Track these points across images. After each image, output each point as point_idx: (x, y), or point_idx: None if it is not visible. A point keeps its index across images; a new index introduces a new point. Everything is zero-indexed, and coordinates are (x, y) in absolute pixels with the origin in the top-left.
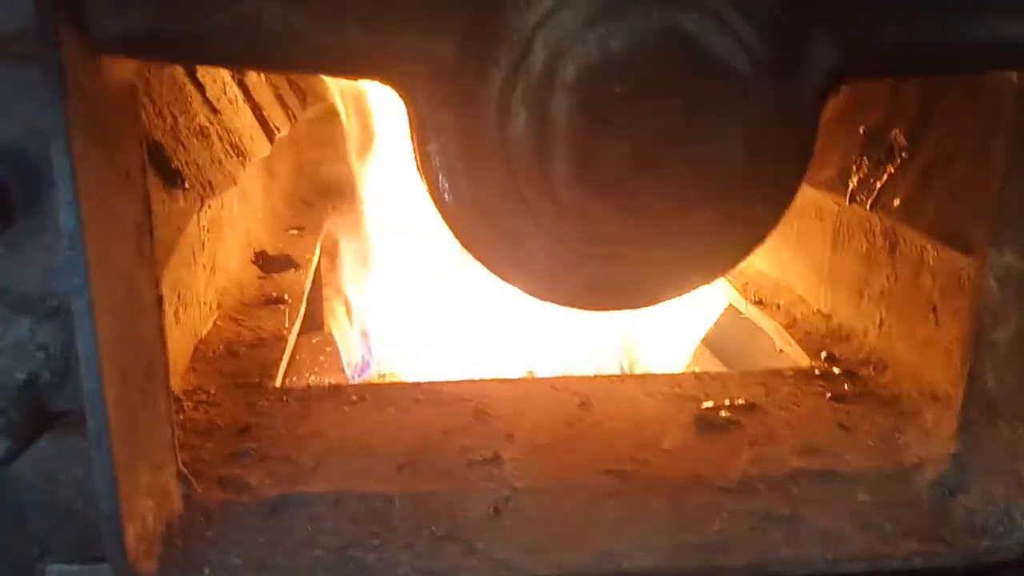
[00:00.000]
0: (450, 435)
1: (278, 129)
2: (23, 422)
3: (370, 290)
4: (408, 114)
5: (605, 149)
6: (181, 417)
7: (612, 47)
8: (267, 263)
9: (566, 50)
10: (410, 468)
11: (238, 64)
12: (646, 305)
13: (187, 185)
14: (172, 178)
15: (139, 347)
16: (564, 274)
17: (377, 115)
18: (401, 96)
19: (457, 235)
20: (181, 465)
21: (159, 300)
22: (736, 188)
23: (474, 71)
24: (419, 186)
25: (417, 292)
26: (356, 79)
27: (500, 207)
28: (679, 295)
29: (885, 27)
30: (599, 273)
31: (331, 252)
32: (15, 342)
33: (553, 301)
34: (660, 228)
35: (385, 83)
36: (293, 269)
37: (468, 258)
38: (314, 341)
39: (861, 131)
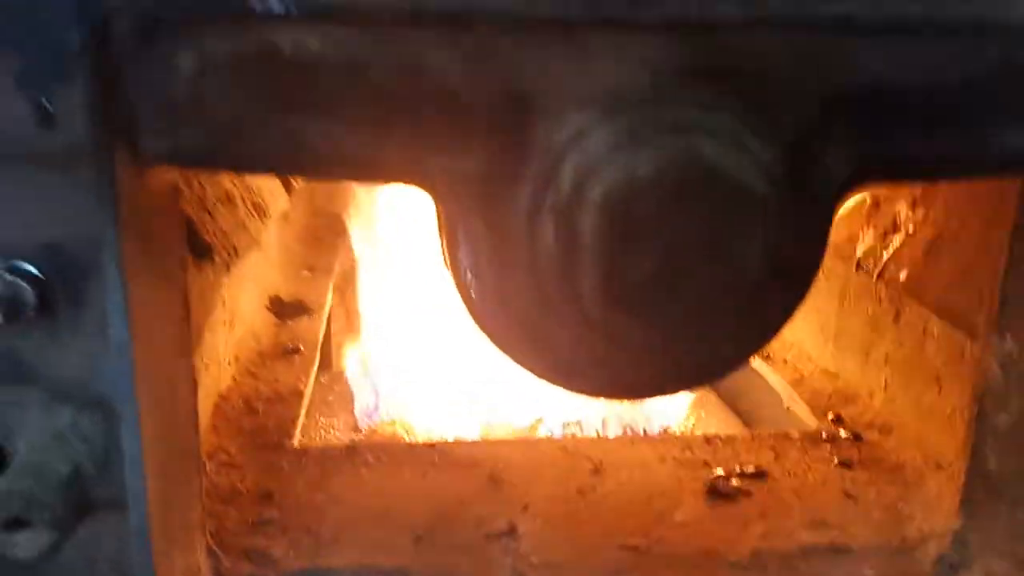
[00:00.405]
0: (466, 504)
1: (296, 181)
2: (67, 513)
3: (383, 334)
4: (438, 214)
5: (630, 265)
6: (205, 482)
7: (637, 171)
8: (281, 310)
9: (593, 172)
10: (427, 540)
11: (279, 173)
12: (663, 395)
13: (216, 257)
14: (202, 252)
15: (176, 436)
16: (586, 371)
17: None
18: (432, 198)
19: (481, 327)
20: (209, 539)
21: (195, 387)
22: (753, 298)
23: (504, 185)
24: (446, 275)
25: (429, 338)
26: (390, 185)
27: (525, 308)
28: (696, 387)
29: (895, 144)
30: (620, 371)
31: (342, 290)
32: (56, 432)
33: (574, 391)
34: (679, 336)
35: (417, 188)
36: (307, 315)
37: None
38: (323, 381)
39: (867, 200)
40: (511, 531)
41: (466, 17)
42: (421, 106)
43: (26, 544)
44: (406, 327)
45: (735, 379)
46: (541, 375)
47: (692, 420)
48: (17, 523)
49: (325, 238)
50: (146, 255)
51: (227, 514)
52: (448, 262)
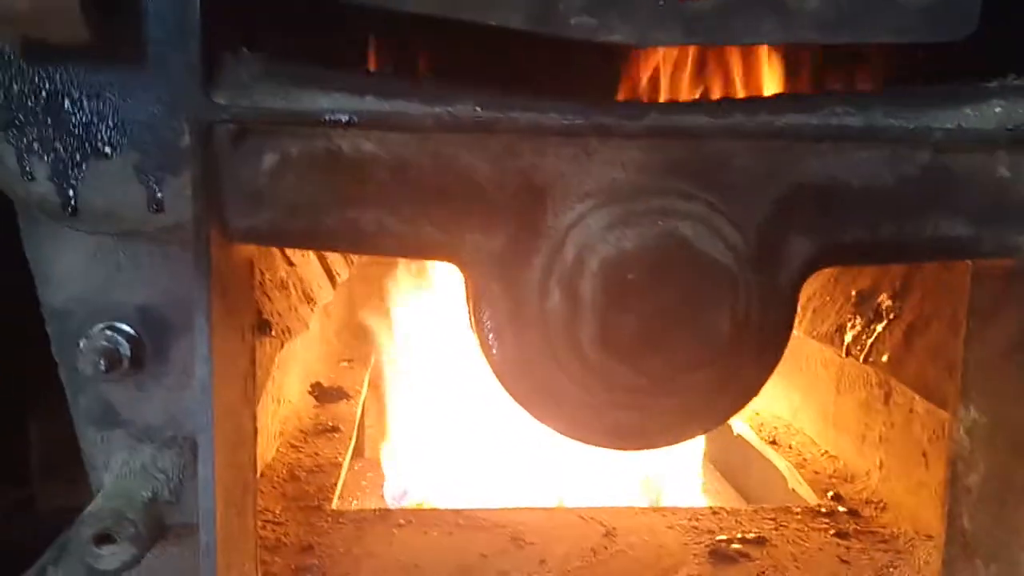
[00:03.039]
0: (488, 559)
1: (339, 275)
2: (146, 535)
3: (412, 423)
4: (466, 285)
5: (621, 322)
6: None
7: (625, 246)
8: (322, 394)
9: (591, 247)
10: None
11: (338, 250)
12: (657, 446)
13: (273, 333)
14: (262, 327)
15: (239, 472)
16: (589, 419)
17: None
18: (460, 271)
19: (502, 383)
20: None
21: (255, 433)
22: (725, 357)
23: (520, 260)
24: (471, 341)
25: (455, 426)
26: (427, 260)
27: (538, 363)
28: (684, 439)
29: (849, 229)
30: (618, 419)
31: (375, 383)
32: (140, 465)
33: (581, 440)
34: (665, 384)
35: (449, 263)
36: (345, 400)
37: (504, 400)
38: (356, 468)
39: (853, 293)
40: None
41: (493, 125)
42: (455, 196)
43: (110, 558)
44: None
45: (742, 462)
46: (550, 424)
47: (704, 500)
48: (105, 538)
49: (362, 335)
50: (226, 315)
51: (273, 561)
52: (474, 327)
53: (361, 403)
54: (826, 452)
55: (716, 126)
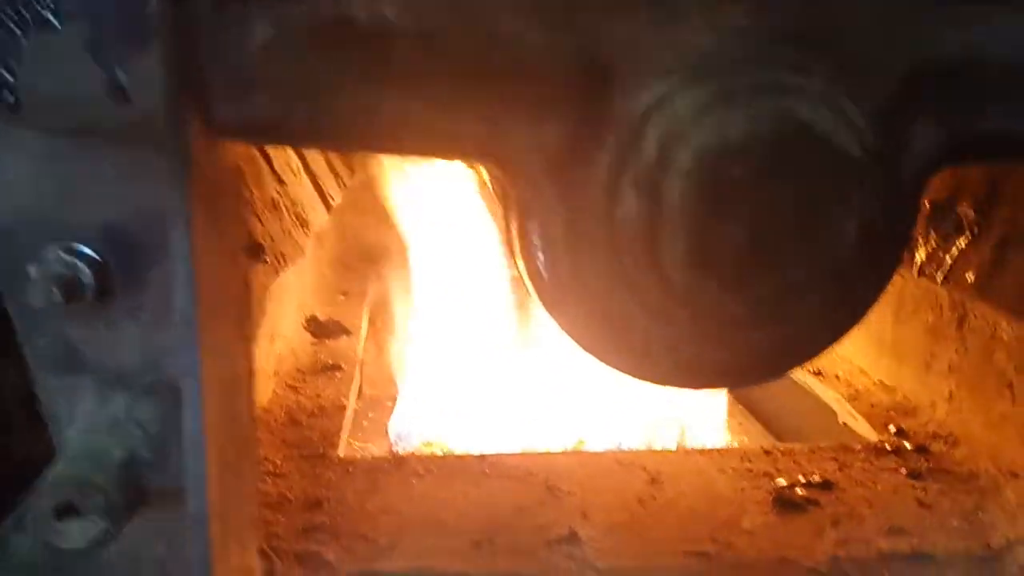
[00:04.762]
0: (523, 511)
1: (332, 198)
2: (121, 502)
3: (416, 358)
4: (506, 194)
5: (719, 234)
6: None
7: (729, 133)
8: (319, 329)
9: (680, 136)
10: (487, 546)
11: (352, 148)
12: (741, 385)
13: (267, 259)
14: (254, 252)
15: (235, 425)
16: (662, 354)
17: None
18: (503, 177)
19: (550, 309)
20: (262, 540)
21: (253, 377)
22: (845, 272)
23: (580, 158)
24: (508, 260)
25: (464, 361)
26: (462, 162)
27: (601, 285)
28: (775, 377)
29: (987, 115)
30: (699, 353)
31: (373, 316)
32: (111, 419)
33: (647, 380)
34: (767, 311)
35: (488, 166)
36: (345, 335)
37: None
38: (356, 407)
39: (927, 204)
40: (573, 537)
41: None
42: (497, 76)
43: (76, 534)
44: (441, 353)
45: (775, 396)
46: (610, 360)
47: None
48: (68, 510)
49: (357, 267)
50: (212, 232)
51: (276, 521)
52: (518, 244)
53: (362, 339)
54: (881, 382)
55: None
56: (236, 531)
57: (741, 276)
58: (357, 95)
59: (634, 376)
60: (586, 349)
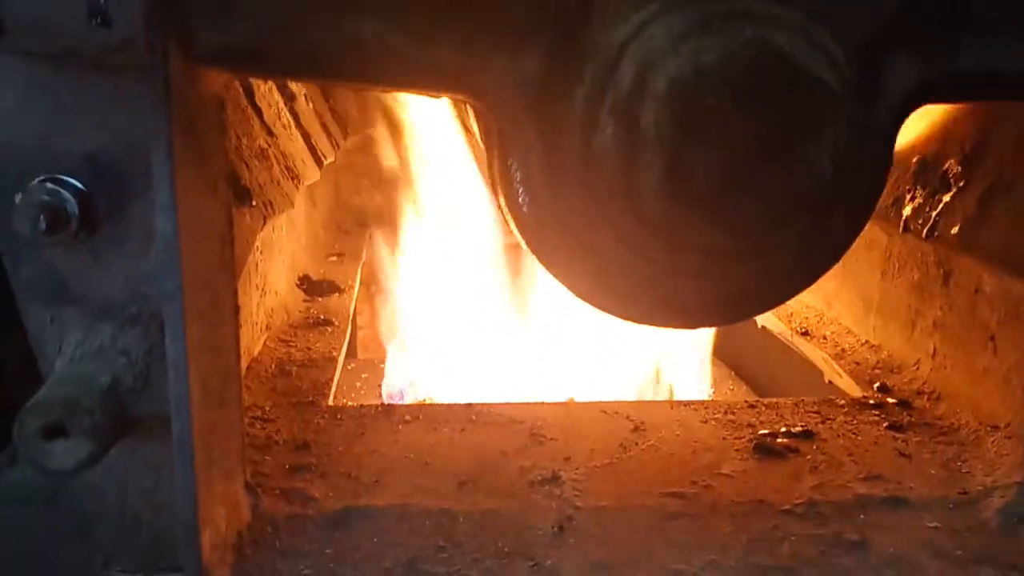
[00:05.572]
0: (507, 455)
1: (325, 156)
2: (107, 425)
3: (409, 318)
4: (487, 129)
5: (696, 161)
6: None
7: (705, 60)
8: (311, 287)
9: (657, 63)
10: (471, 486)
11: (331, 79)
12: (720, 323)
13: (254, 203)
14: (241, 196)
15: (218, 355)
16: (642, 289)
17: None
18: (482, 111)
19: (533, 248)
20: (248, 476)
21: (236, 310)
22: (822, 203)
23: (559, 87)
24: (492, 199)
25: (456, 323)
26: (440, 96)
27: (580, 220)
28: (754, 314)
29: (962, 53)
30: (677, 288)
31: (367, 280)
32: (97, 347)
33: (629, 318)
34: (746, 241)
35: (468, 99)
36: (337, 294)
37: (507, 290)
38: (349, 367)
39: (914, 160)
40: (555, 478)
41: None
42: (475, 5)
43: (62, 455)
44: (434, 315)
45: (762, 357)
46: (592, 299)
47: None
48: (56, 432)
49: (352, 229)
50: (193, 158)
51: (263, 461)
52: (499, 180)
53: (355, 298)
54: (867, 342)
55: None
56: (221, 460)
57: (716, 205)
58: (337, 25)
59: (616, 315)
60: (568, 287)
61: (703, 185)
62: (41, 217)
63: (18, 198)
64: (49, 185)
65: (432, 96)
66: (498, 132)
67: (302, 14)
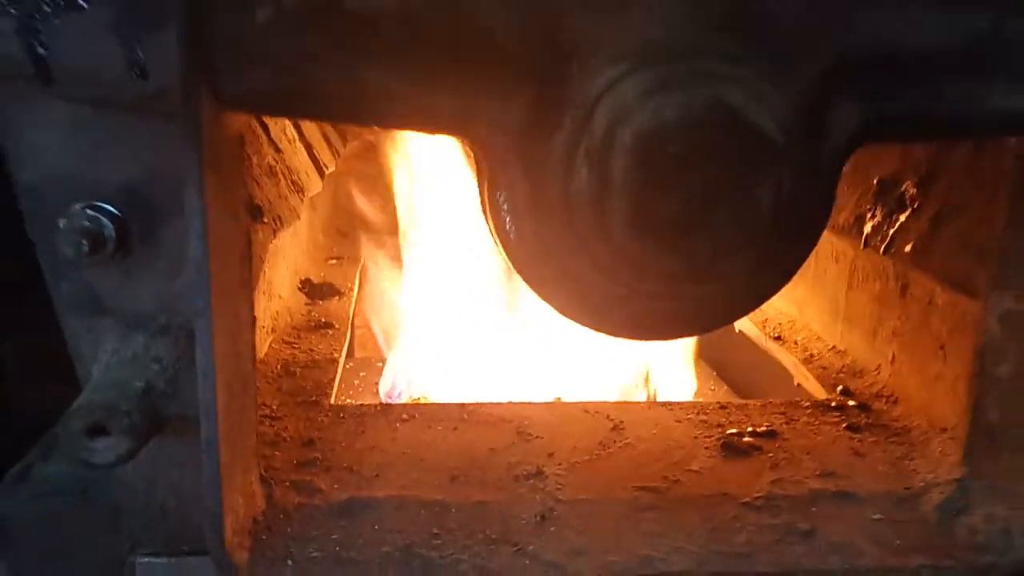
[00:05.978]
0: (496, 452)
1: (326, 166)
2: (143, 425)
3: (403, 319)
4: (479, 165)
5: (657, 202)
6: None
7: (666, 116)
8: (313, 291)
9: (625, 118)
10: (462, 479)
11: (339, 120)
12: (683, 336)
13: (265, 219)
14: (254, 213)
15: (239, 362)
16: (615, 308)
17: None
18: (474, 150)
19: (519, 270)
20: (262, 469)
21: (253, 321)
22: (767, 236)
23: (541, 133)
24: (484, 227)
25: (451, 324)
26: (437, 135)
27: (560, 248)
28: (715, 328)
29: (901, 99)
30: (646, 307)
31: (364, 282)
32: (131, 355)
33: (603, 332)
34: (702, 269)
35: (461, 139)
36: (337, 297)
37: (498, 294)
38: (347, 367)
39: (875, 181)
40: (539, 473)
41: None
42: (470, 56)
43: (104, 451)
44: (430, 316)
45: (741, 359)
46: (571, 314)
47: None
48: (98, 431)
49: (350, 232)
50: (219, 193)
51: (273, 456)
52: (489, 211)
53: (354, 300)
54: (834, 347)
55: None
56: (241, 457)
57: (675, 238)
58: (344, 70)
59: (592, 329)
60: (550, 304)
61: (664, 222)
62: (84, 241)
63: (61, 223)
64: (89, 212)
65: (429, 134)
66: (488, 169)
67: (314, 61)
